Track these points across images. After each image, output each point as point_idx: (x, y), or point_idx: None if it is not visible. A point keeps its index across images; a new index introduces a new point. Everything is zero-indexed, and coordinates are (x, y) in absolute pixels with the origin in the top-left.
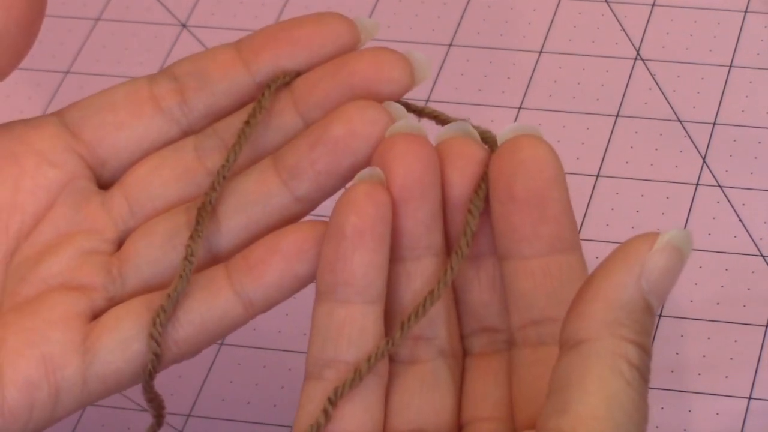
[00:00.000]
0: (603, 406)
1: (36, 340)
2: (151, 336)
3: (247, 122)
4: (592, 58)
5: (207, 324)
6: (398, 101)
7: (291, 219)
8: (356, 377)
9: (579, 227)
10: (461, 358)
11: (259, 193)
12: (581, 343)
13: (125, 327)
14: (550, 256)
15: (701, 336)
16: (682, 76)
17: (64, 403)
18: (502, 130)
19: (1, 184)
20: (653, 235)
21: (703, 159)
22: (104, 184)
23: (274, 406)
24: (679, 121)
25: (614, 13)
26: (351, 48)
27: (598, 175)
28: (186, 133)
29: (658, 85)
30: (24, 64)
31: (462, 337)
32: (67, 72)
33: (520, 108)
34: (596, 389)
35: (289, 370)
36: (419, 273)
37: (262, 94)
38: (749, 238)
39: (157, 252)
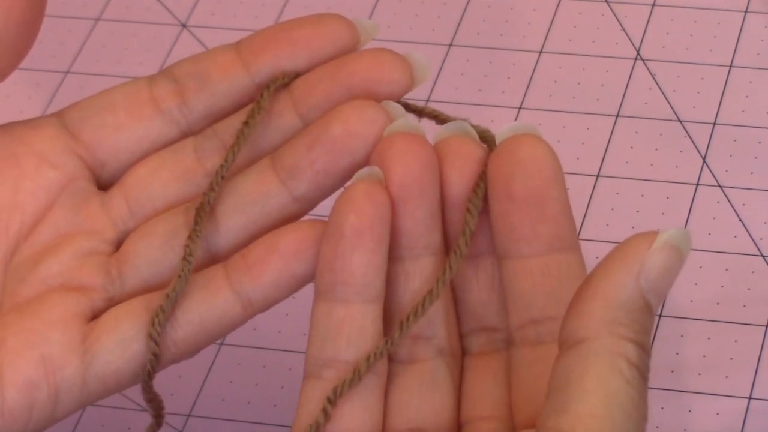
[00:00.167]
0: (602, 405)
1: (35, 341)
2: (150, 336)
3: (245, 123)
4: (592, 58)
5: (206, 324)
6: (398, 101)
7: (290, 219)
8: (355, 377)
9: (579, 227)
10: (460, 357)
11: (257, 193)
12: (580, 342)
13: (124, 327)
14: (549, 255)
15: (701, 336)
16: (682, 76)
17: (63, 404)
18: (500, 130)
19: (0, 184)
20: (652, 234)
21: (703, 159)
22: (104, 185)
23: (274, 406)
24: (679, 121)
25: (614, 13)
26: (350, 49)
27: (598, 175)
28: (185, 134)
29: (658, 85)
30: (24, 64)
31: (461, 337)
32: (67, 72)
33: (520, 108)
34: (595, 388)
35: (289, 370)
36: (418, 272)
37: (261, 95)
38: (749, 238)
39: (156, 252)
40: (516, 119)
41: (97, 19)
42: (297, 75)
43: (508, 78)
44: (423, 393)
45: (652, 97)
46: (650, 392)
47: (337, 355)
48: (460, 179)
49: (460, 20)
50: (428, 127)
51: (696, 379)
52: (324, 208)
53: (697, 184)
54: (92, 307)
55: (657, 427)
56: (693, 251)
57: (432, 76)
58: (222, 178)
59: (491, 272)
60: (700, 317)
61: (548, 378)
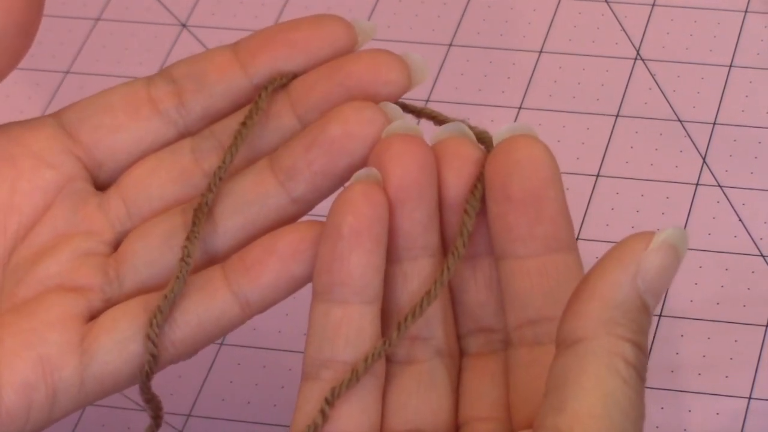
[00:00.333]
0: (600, 404)
1: (33, 342)
2: (148, 337)
3: (243, 123)
4: (592, 58)
5: (204, 324)
6: (396, 102)
7: (288, 220)
8: (353, 377)
9: (579, 227)
10: (458, 358)
11: (255, 194)
12: (578, 342)
13: (122, 328)
14: (547, 255)
15: (701, 336)
16: (682, 76)
17: (61, 404)
18: (497, 131)
19: None
20: (649, 234)
21: (703, 159)
22: (101, 185)
23: (274, 406)
24: (679, 121)
25: (614, 13)
26: (348, 50)
27: (598, 175)
28: (183, 135)
29: (658, 85)
30: (24, 64)
31: (459, 337)
32: (67, 72)
33: (520, 108)
34: (593, 387)
35: (289, 370)
36: (416, 273)
37: (259, 96)
38: (749, 238)
39: (154, 253)
40: (516, 119)
41: (97, 19)
42: (295, 76)
43: (508, 78)
44: (421, 394)
45: (652, 97)
46: (650, 392)
47: (335, 356)
48: (457, 180)
49: (460, 20)
50: (427, 127)
51: (696, 379)
52: (322, 208)
53: (697, 184)
54: (90, 308)
55: (657, 427)
56: (693, 251)
57: (432, 76)
58: (220, 179)
59: (489, 273)
60: (699, 317)
61: (546, 378)
